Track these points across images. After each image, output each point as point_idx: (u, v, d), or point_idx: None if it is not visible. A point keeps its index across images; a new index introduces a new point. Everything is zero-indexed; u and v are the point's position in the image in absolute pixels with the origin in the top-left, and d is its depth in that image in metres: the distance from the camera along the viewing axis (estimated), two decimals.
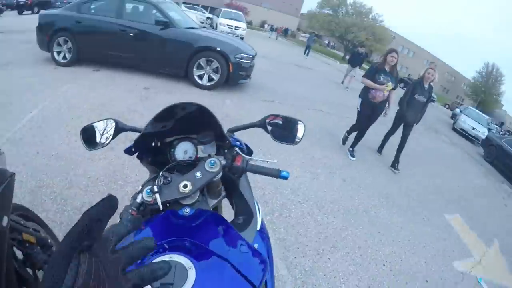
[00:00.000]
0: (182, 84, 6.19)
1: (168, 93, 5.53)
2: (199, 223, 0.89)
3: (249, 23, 41.91)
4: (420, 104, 5.20)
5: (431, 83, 5.17)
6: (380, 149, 6.15)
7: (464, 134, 14.53)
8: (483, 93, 54.73)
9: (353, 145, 5.31)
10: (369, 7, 40.92)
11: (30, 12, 17.11)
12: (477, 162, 10.30)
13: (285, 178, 1.08)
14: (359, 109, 5.06)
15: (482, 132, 14.03)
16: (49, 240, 1.56)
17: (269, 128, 1.23)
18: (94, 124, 1.16)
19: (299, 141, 1.24)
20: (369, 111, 4.95)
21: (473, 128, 14.35)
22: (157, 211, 0.94)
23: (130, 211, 0.91)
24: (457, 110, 19.47)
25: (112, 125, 1.15)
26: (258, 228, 1.07)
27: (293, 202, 3.53)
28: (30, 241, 1.40)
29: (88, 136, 1.15)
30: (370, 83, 4.76)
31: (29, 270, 1.41)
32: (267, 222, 3.05)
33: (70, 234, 0.33)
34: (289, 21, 57.19)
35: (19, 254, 1.39)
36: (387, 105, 5.03)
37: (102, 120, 1.16)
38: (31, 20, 8.29)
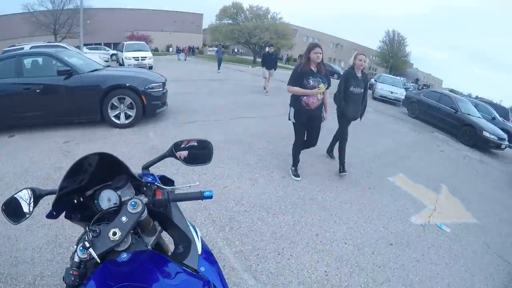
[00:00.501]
0: (101, 128, 5.98)
1: (89, 141, 5.35)
2: (137, 266, 0.95)
3: (155, 50, 41.75)
4: (358, 96, 4.71)
5: (363, 70, 4.76)
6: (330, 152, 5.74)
7: (385, 100, 15.83)
8: (392, 58, 60.38)
9: (294, 164, 4.67)
10: (266, 8, 42.76)
11: None
12: (404, 121, 11.27)
13: (209, 197, 1.14)
14: (293, 121, 4.37)
15: (400, 93, 15.48)
16: None
17: (183, 154, 1.37)
18: (14, 196, 1.13)
19: (211, 160, 1.40)
20: (304, 119, 4.31)
21: (392, 92, 15.74)
22: (98, 264, 0.96)
23: (71, 272, 0.93)
24: (372, 80, 20.97)
25: (30, 194, 1.14)
26: (200, 252, 1.14)
27: (240, 213, 3.52)
28: None
29: (12, 209, 1.12)
30: (299, 90, 4.14)
31: None
32: (220, 240, 3.03)
33: None
34: (194, 39, 58.16)
35: None
36: (323, 109, 4.43)
37: (20, 190, 1.14)
38: None
